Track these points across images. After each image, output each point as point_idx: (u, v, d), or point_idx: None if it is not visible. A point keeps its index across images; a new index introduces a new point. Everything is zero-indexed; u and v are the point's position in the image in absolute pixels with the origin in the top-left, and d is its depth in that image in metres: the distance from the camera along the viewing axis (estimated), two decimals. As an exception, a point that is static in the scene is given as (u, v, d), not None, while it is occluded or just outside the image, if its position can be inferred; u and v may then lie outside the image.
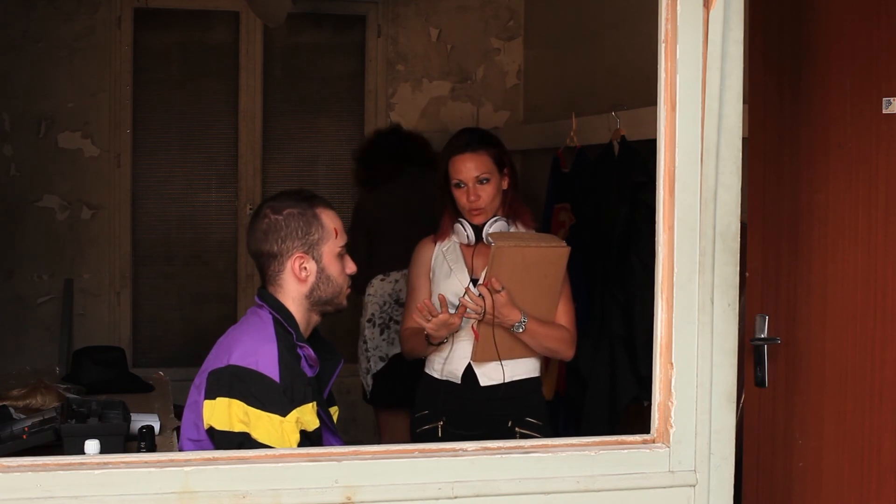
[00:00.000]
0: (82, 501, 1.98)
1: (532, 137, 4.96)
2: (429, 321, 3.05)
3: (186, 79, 5.42)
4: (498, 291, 3.04)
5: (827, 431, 2.67)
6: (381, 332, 4.38)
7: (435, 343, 3.18)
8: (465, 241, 3.26)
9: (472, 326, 3.17)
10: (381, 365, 4.37)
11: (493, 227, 3.22)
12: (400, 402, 4.20)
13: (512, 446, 2.20)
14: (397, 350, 4.23)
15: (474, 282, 3.21)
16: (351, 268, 2.68)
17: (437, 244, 3.33)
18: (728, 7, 2.18)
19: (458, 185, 3.24)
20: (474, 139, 3.28)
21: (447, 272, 3.26)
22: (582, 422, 3.75)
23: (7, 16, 5.02)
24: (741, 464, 2.82)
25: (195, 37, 5.44)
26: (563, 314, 3.22)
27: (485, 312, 3.06)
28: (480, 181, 3.21)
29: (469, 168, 3.21)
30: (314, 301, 2.62)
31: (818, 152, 2.70)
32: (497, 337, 3.12)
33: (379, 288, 4.40)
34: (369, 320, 4.40)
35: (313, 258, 2.60)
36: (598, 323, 3.72)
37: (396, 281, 4.38)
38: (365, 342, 4.41)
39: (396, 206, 4.47)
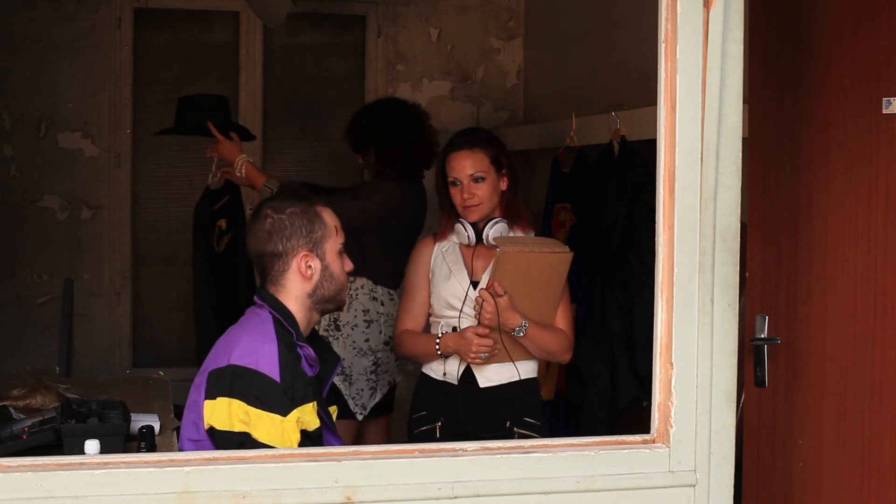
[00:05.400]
0: (82, 501, 1.98)
1: (532, 137, 4.96)
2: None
3: (186, 79, 5.41)
4: (500, 296, 3.04)
5: (827, 431, 2.67)
6: (397, 358, 4.05)
7: (448, 354, 3.19)
8: (466, 242, 3.26)
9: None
10: (387, 389, 4.06)
11: (494, 229, 3.22)
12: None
13: (512, 446, 2.20)
14: (399, 378, 4.09)
15: (474, 284, 3.21)
16: (349, 265, 2.70)
17: (437, 244, 3.33)
18: (728, 7, 2.18)
19: (453, 184, 3.23)
20: (471, 137, 3.28)
21: (446, 274, 3.26)
22: (582, 422, 3.74)
23: (7, 16, 5.01)
24: (741, 464, 2.82)
25: (195, 37, 5.44)
26: (562, 318, 3.23)
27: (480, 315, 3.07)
28: (475, 179, 3.21)
29: (464, 165, 3.21)
30: (317, 299, 2.63)
31: (818, 152, 2.70)
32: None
33: (391, 308, 4.02)
34: (386, 343, 4.01)
35: (317, 256, 2.62)
36: (598, 323, 3.72)
37: (393, 300, 4.05)
38: (377, 363, 4.02)
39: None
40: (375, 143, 4.07)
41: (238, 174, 3.96)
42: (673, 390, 2.20)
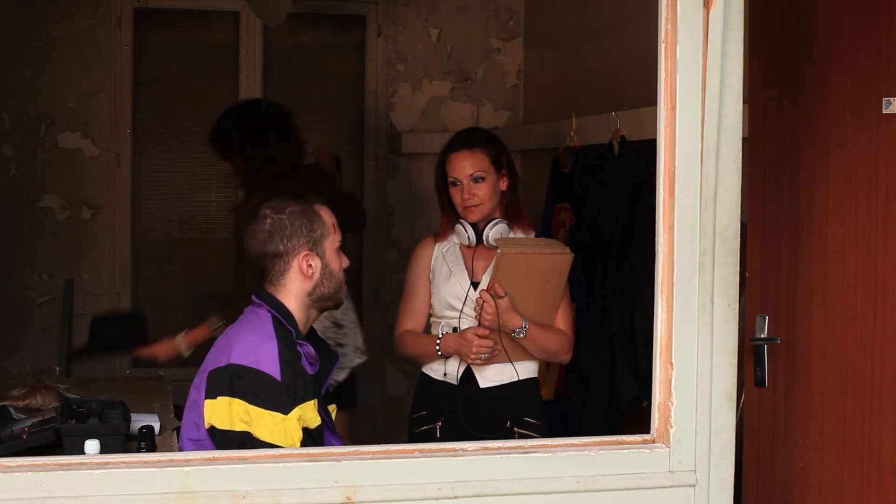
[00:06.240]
0: (82, 501, 1.98)
1: (532, 137, 4.96)
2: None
3: (186, 79, 5.41)
4: (501, 297, 3.04)
5: (827, 431, 2.67)
6: (340, 343, 4.02)
7: (448, 355, 3.19)
8: (466, 242, 3.26)
9: (473, 330, 3.17)
10: (335, 385, 3.96)
11: (494, 230, 3.22)
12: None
13: (512, 446, 2.20)
14: (345, 375, 4.05)
15: (475, 285, 3.22)
16: (346, 262, 2.70)
17: (437, 245, 3.33)
18: (728, 7, 2.18)
19: (453, 184, 3.23)
20: (471, 137, 3.28)
21: (447, 274, 3.26)
22: (582, 422, 3.75)
23: (7, 16, 5.01)
24: (741, 464, 2.82)
25: (195, 37, 5.44)
26: (562, 318, 3.23)
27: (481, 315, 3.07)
28: (475, 179, 3.21)
29: (464, 166, 3.21)
30: (316, 298, 2.63)
31: (818, 152, 2.70)
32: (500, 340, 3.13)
33: None
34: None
35: (317, 255, 2.62)
36: (598, 323, 3.72)
37: None
38: None
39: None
40: (245, 146, 4.02)
41: (187, 354, 3.91)
42: (673, 390, 2.20)
